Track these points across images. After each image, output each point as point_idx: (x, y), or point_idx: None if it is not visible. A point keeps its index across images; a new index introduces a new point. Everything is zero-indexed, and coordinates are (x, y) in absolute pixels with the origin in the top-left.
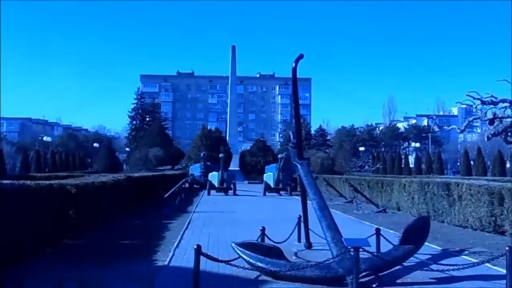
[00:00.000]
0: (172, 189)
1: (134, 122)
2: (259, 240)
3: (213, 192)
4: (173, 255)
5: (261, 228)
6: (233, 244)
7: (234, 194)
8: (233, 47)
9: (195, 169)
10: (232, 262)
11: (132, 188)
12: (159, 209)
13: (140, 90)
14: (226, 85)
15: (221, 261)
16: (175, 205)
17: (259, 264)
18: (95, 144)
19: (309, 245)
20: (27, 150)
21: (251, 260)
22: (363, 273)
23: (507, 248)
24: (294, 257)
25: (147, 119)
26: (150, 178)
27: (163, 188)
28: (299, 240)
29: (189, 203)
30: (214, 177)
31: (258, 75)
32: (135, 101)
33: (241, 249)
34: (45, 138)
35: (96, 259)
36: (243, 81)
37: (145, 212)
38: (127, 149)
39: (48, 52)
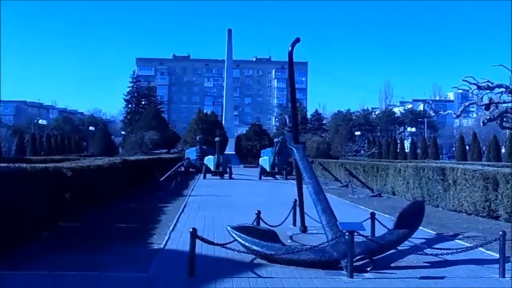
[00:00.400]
0: (168, 173)
1: (130, 105)
2: (255, 223)
3: (209, 175)
4: (169, 238)
5: (256, 211)
6: (228, 228)
7: (230, 178)
8: (229, 31)
9: (191, 153)
10: (227, 246)
11: (127, 172)
12: (154, 192)
13: (135, 73)
14: (222, 69)
15: (217, 244)
16: (171, 189)
17: (254, 247)
18: (91, 128)
19: (304, 229)
20: (22, 133)
21: (246, 244)
22: (358, 257)
23: (500, 232)
24: (289, 241)
25: (143, 102)
26: (146, 162)
27: (159, 172)
28: (294, 224)
29: (185, 186)
30: (210, 160)
31: (254, 59)
32: (131, 85)
33: (237, 232)
34: (40, 121)
35: (93, 242)
36: (239, 64)
37: (141, 196)
38: (122, 132)
39: (43, 36)
